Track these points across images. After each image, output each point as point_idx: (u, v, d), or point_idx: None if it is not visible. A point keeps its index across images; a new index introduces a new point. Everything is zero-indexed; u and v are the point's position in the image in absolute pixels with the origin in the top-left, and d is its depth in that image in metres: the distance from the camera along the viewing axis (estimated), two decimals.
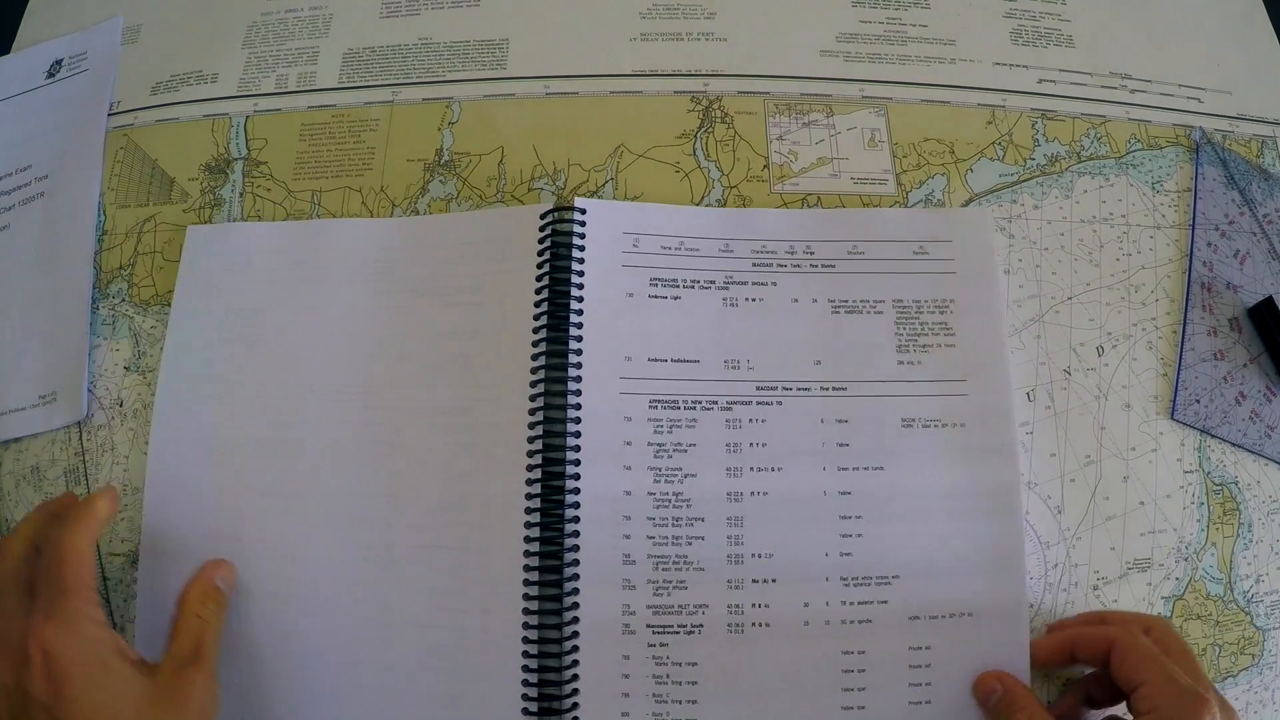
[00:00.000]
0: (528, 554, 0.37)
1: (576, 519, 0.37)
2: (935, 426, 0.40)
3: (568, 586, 0.37)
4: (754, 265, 0.42)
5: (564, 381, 0.39)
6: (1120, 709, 0.36)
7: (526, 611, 0.36)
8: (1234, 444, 0.42)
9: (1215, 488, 0.41)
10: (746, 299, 0.41)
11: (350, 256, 0.43)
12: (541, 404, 0.39)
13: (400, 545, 0.38)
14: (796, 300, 0.41)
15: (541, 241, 0.41)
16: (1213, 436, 0.42)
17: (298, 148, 0.47)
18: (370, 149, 0.46)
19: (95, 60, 0.50)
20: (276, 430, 0.40)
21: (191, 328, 0.43)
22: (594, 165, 0.45)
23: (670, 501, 0.38)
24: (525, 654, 0.36)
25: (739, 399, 0.40)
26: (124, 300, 0.44)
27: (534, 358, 0.39)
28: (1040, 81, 0.48)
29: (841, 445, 0.39)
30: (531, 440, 0.38)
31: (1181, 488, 0.41)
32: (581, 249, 0.41)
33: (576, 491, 0.38)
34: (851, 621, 0.37)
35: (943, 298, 0.42)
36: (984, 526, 0.38)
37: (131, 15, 0.52)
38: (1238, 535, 0.41)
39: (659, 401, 0.39)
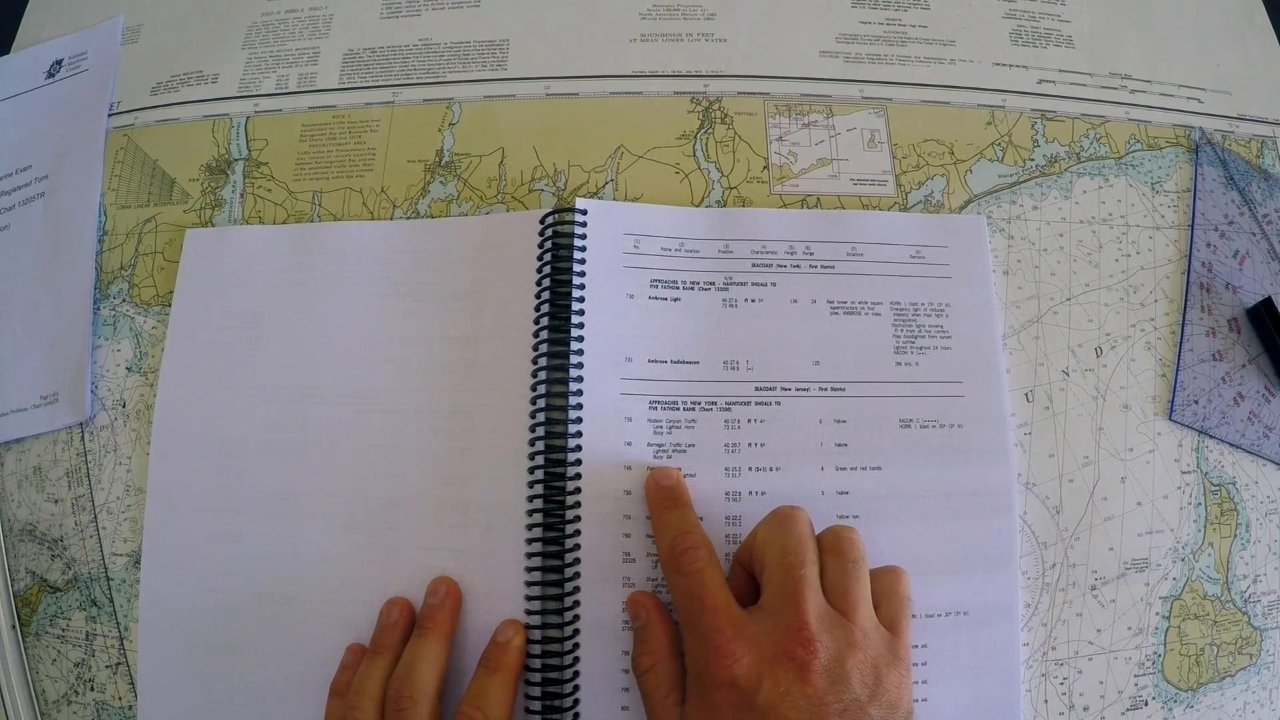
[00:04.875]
0: (529, 554, 0.37)
1: (578, 519, 0.37)
2: (933, 427, 0.40)
3: (569, 586, 0.37)
4: (753, 266, 0.42)
5: (565, 383, 0.39)
6: None
7: (528, 611, 0.37)
8: (1232, 444, 0.42)
9: (1213, 488, 0.41)
10: (746, 300, 0.41)
11: (349, 259, 0.43)
12: (543, 405, 0.39)
13: (401, 547, 0.39)
14: (795, 301, 0.42)
15: (542, 244, 0.41)
16: (1211, 437, 0.42)
17: (298, 148, 0.47)
18: (371, 150, 0.46)
19: (95, 60, 0.50)
20: (278, 432, 0.41)
21: (191, 331, 0.43)
22: (594, 166, 0.45)
23: None
24: (528, 653, 0.36)
25: (738, 399, 0.40)
26: (125, 301, 0.44)
27: (535, 359, 0.39)
28: (1040, 82, 0.48)
29: (840, 445, 0.39)
30: (532, 442, 0.38)
31: (1179, 488, 0.41)
32: (582, 250, 0.41)
33: (578, 492, 0.38)
34: None
35: (939, 301, 0.42)
36: (980, 526, 0.39)
37: (131, 15, 0.52)
38: (1235, 535, 0.41)
39: (659, 403, 0.39)
